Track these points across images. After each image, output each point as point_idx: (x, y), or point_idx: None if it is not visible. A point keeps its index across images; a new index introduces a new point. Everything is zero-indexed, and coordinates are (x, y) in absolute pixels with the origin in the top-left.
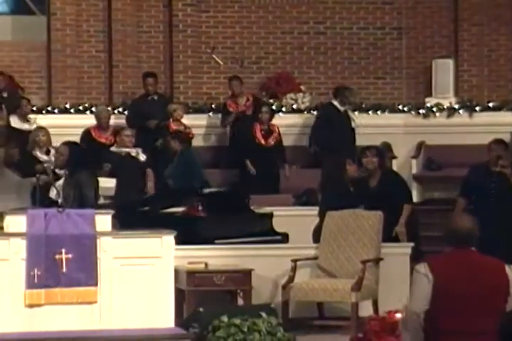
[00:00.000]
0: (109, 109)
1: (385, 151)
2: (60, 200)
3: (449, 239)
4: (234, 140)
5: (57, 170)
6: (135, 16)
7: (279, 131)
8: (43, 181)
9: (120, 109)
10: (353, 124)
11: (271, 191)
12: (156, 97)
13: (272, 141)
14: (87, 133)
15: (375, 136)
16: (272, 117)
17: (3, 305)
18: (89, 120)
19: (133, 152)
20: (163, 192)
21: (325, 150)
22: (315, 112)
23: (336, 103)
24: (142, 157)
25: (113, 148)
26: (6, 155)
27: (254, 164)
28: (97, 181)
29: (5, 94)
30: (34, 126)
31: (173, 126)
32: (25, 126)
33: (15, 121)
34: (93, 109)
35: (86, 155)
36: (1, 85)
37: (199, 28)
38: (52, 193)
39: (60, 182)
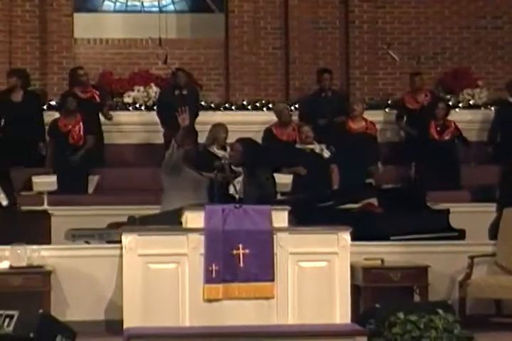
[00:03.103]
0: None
1: None
2: (237, 196)
3: None
4: (410, 135)
5: (233, 168)
6: (311, 13)
7: (455, 126)
8: (221, 177)
9: (297, 106)
10: None
11: (450, 187)
12: (329, 94)
13: (446, 136)
14: (269, 131)
15: None
16: (447, 113)
17: (183, 300)
18: (265, 117)
19: (317, 148)
20: (340, 188)
21: (499, 149)
22: (492, 108)
23: (510, 99)
24: (326, 153)
25: (298, 145)
26: (185, 152)
27: (430, 160)
28: (273, 178)
29: (184, 92)
30: None
31: (352, 124)
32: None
33: None
34: (270, 105)
35: (261, 152)
36: (182, 81)
37: (375, 23)
38: (231, 190)
39: (239, 179)
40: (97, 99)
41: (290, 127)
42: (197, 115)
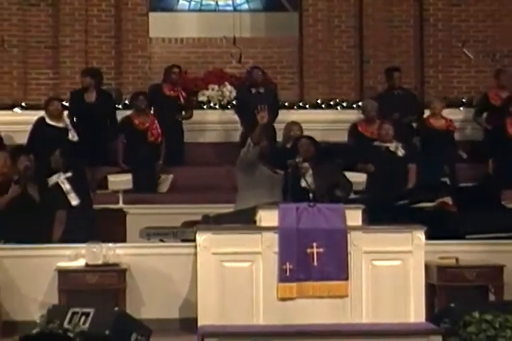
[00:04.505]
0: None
1: None
2: (308, 187)
3: None
4: (488, 133)
5: (300, 164)
6: (386, 11)
7: None
8: (292, 175)
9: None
10: None
11: None
12: (399, 92)
13: None
14: (354, 128)
15: None
16: None
17: (257, 298)
18: (339, 115)
19: (392, 147)
20: (415, 187)
21: None
22: None
23: None
24: (400, 152)
25: (376, 142)
26: (260, 150)
27: (506, 158)
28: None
29: (261, 90)
30: None
31: (432, 121)
32: None
33: None
34: (344, 104)
35: (321, 147)
36: (258, 79)
37: (450, 21)
38: (303, 183)
39: (310, 172)
40: (182, 100)
41: (376, 124)
42: (277, 114)
